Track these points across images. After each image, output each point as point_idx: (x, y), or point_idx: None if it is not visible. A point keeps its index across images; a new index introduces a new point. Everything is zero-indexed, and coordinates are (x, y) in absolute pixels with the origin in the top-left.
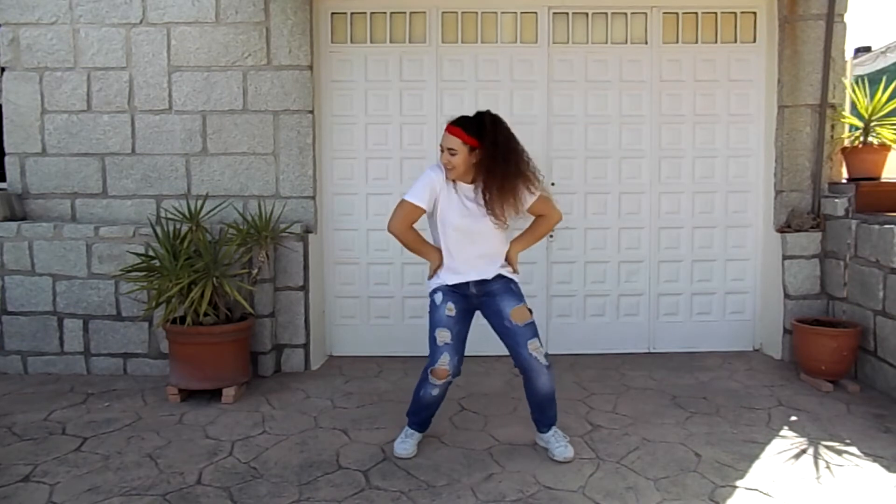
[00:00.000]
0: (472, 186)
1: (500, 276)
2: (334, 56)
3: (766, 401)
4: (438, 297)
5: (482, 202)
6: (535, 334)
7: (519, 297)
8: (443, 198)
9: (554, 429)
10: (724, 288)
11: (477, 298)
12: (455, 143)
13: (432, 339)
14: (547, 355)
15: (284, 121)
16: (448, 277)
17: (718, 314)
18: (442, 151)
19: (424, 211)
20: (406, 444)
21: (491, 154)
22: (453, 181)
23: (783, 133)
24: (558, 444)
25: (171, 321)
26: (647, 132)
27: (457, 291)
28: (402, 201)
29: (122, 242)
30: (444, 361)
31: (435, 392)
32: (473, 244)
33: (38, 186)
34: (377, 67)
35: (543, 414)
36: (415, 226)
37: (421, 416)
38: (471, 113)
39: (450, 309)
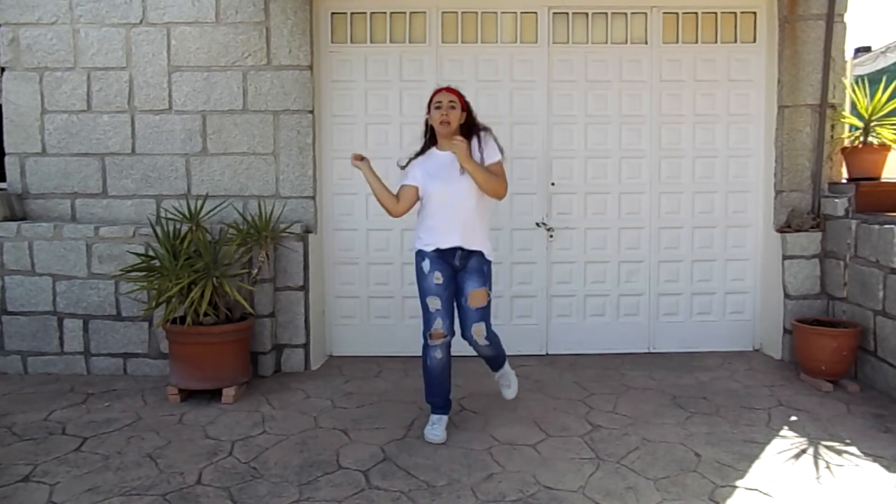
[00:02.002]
0: (448, 153)
1: (479, 253)
2: (334, 56)
3: (766, 401)
4: (426, 265)
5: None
6: (483, 318)
7: (484, 279)
8: (421, 173)
9: (503, 370)
10: (724, 288)
11: (458, 266)
12: (455, 99)
13: (425, 306)
14: (488, 335)
15: (284, 121)
16: (433, 243)
17: (718, 314)
18: (438, 109)
19: (416, 188)
20: (436, 429)
21: (470, 117)
22: (431, 149)
23: (783, 133)
24: (506, 383)
25: (171, 321)
26: (647, 132)
27: (443, 259)
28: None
29: (122, 242)
30: (439, 325)
31: (438, 354)
32: (454, 209)
33: (38, 186)
34: (377, 67)
35: (491, 364)
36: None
37: (437, 392)
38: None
39: (437, 278)
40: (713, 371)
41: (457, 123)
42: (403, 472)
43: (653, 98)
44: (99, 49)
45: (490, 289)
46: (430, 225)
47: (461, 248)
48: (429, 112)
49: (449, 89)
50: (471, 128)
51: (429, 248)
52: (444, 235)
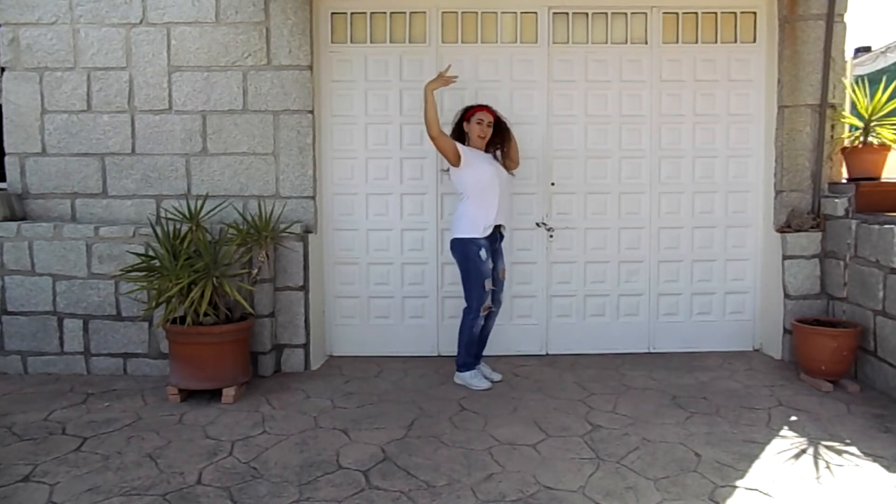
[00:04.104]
0: (488, 154)
1: (501, 234)
2: (334, 56)
3: (766, 401)
4: (483, 253)
5: (499, 159)
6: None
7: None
8: (474, 162)
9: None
10: (724, 288)
11: (496, 248)
12: (493, 120)
13: (481, 286)
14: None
15: (284, 121)
16: (486, 230)
17: (718, 314)
18: (479, 125)
19: (455, 145)
20: (482, 380)
21: (501, 127)
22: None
23: (783, 133)
24: (488, 371)
25: (171, 321)
26: (647, 132)
27: (492, 245)
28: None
29: (122, 242)
30: (489, 300)
31: (482, 322)
32: (498, 194)
33: (38, 186)
34: (377, 67)
35: (484, 348)
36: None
37: (475, 350)
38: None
39: (490, 264)
40: (713, 371)
41: (488, 137)
42: (403, 472)
43: (653, 98)
44: (99, 49)
45: None
46: (489, 205)
47: (501, 227)
48: (467, 119)
49: (489, 110)
50: (503, 134)
51: (485, 234)
52: (497, 213)
